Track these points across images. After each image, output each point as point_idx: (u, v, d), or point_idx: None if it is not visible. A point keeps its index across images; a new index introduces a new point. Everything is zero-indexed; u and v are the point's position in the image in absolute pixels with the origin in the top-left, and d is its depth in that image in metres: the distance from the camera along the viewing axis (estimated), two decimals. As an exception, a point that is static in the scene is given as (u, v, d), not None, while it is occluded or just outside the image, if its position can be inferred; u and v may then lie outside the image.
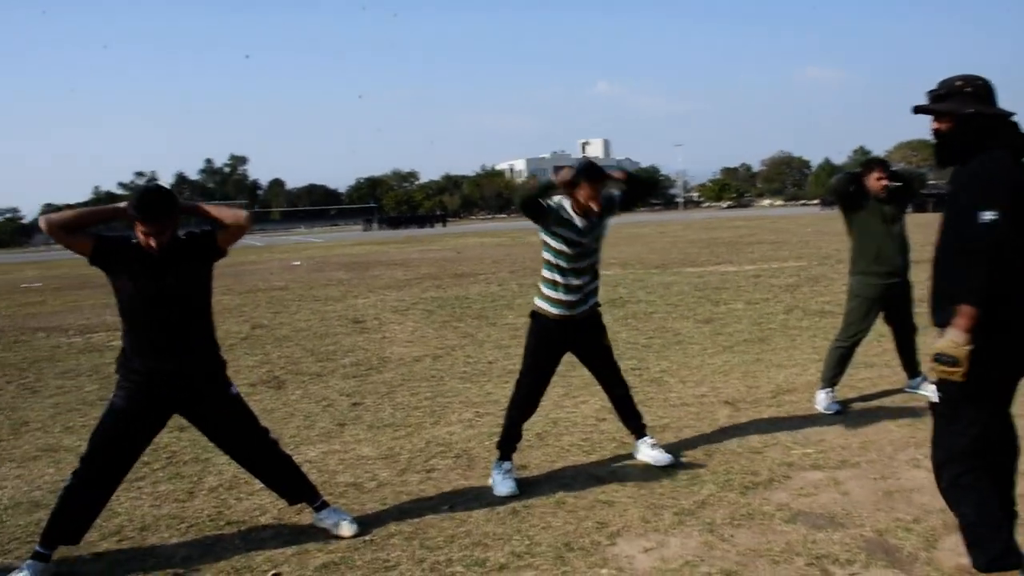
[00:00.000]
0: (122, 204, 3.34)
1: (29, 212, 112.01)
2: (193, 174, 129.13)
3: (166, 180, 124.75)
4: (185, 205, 3.51)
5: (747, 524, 3.57)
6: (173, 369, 3.39)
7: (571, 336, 4.24)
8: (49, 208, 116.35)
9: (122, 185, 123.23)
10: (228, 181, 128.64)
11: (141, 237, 3.27)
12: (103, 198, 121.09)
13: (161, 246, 3.28)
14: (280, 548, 3.55)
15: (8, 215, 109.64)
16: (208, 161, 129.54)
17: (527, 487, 4.13)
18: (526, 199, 4.06)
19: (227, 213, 3.56)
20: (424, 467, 4.55)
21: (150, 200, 3.26)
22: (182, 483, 4.46)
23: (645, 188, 4.40)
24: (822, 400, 5.31)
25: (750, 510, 3.72)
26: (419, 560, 3.36)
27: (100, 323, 11.85)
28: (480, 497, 4.05)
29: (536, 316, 4.26)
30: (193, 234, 3.47)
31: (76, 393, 6.95)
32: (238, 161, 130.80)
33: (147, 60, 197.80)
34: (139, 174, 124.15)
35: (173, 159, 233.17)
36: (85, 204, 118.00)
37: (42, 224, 3.33)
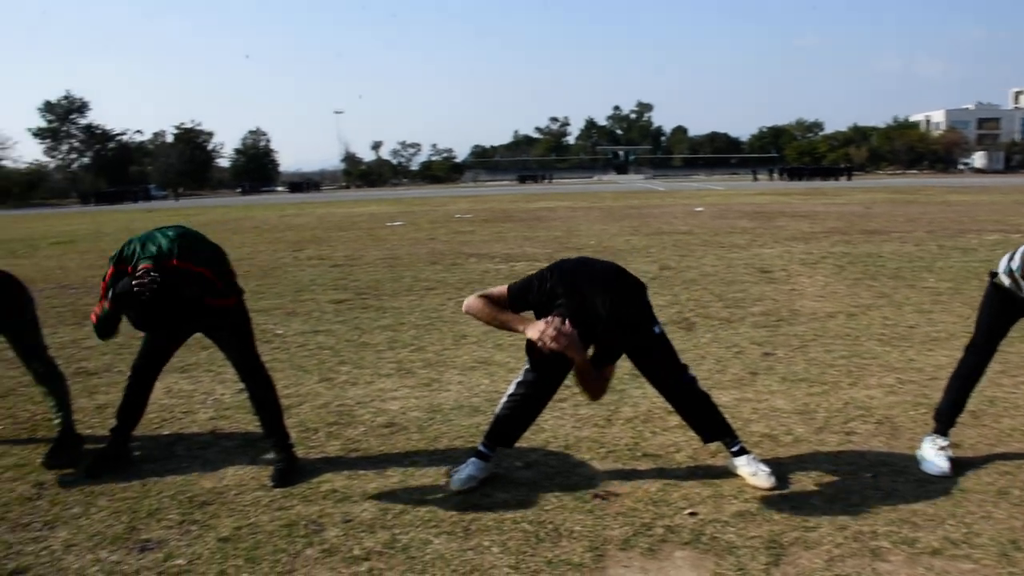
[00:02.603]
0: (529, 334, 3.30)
1: (460, 152, 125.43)
2: (601, 120, 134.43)
3: (577, 125, 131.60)
4: None
5: None
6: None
7: None
8: (477, 149, 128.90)
9: (538, 129, 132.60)
10: (634, 127, 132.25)
11: None
12: (522, 141, 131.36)
13: None
14: (695, 488, 3.57)
15: (444, 155, 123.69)
16: (616, 108, 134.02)
17: (961, 468, 3.72)
18: None
19: None
20: (843, 429, 4.30)
21: None
22: (600, 410, 4.66)
23: None
24: None
25: None
26: (841, 527, 3.18)
27: (521, 253, 12.91)
28: (906, 471, 3.73)
29: (993, 278, 3.81)
30: None
31: (503, 315, 7.62)
32: (644, 108, 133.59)
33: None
34: (553, 119, 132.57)
35: (584, 105, 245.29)
36: (506, 147, 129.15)
37: (464, 309, 3.53)
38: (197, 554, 3.11)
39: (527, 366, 3.69)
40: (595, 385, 3.51)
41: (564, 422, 4.46)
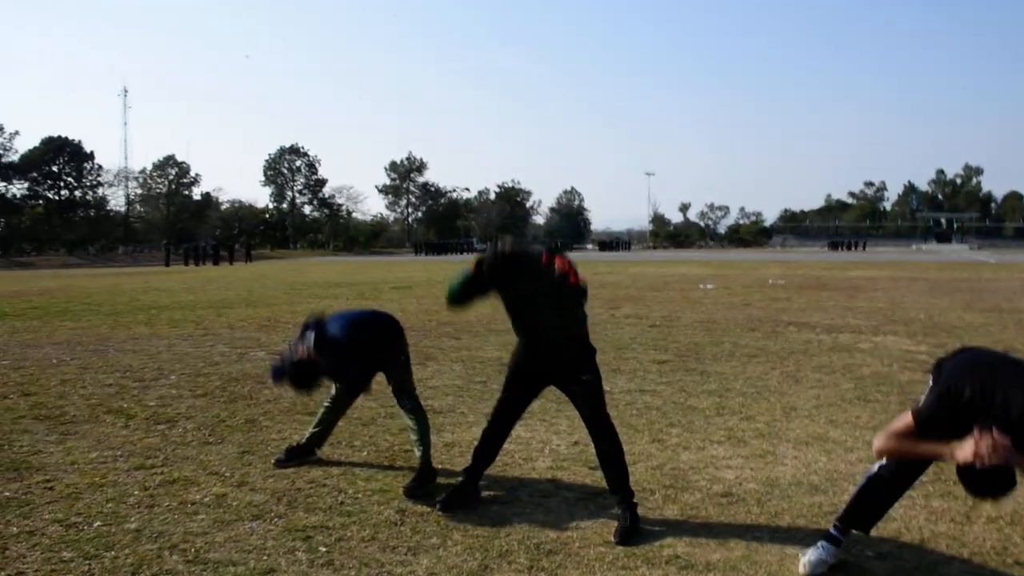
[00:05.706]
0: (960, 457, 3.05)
1: (770, 216, 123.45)
2: (922, 184, 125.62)
3: (895, 191, 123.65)
4: None
5: None
6: None
7: None
8: (786, 213, 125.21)
9: (852, 194, 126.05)
10: (959, 193, 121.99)
11: None
12: (834, 206, 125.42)
13: None
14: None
15: (753, 218, 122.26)
16: (939, 171, 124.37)
17: None
18: None
19: None
20: None
21: None
22: (956, 503, 4.32)
23: None
24: None
25: None
26: None
27: (844, 324, 12.30)
28: None
29: None
30: None
31: (834, 389, 7.33)
32: (972, 172, 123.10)
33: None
34: (868, 184, 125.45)
35: (903, 168, 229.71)
36: (817, 211, 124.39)
37: (876, 452, 3.39)
38: (549, 601, 3.29)
39: None
40: None
41: (916, 513, 4.18)
